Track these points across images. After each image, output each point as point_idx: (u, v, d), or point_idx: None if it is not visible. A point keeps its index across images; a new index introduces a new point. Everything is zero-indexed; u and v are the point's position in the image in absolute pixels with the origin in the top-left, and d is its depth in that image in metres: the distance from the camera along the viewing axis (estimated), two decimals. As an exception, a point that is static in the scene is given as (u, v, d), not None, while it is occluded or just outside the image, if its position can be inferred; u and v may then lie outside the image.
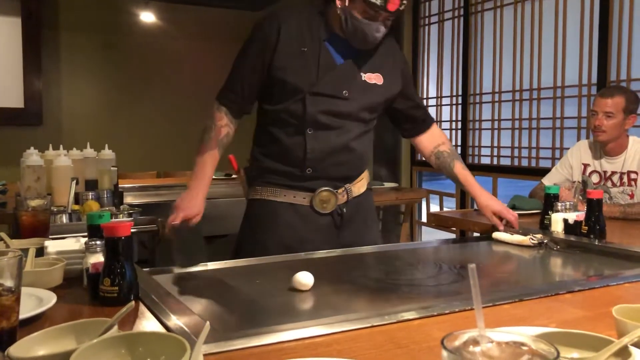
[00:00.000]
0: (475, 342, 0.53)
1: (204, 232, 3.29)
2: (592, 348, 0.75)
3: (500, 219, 1.89)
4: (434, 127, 1.98)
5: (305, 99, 1.66)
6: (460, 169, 1.93)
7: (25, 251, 1.29)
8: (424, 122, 1.95)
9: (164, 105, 5.35)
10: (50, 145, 2.60)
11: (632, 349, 0.72)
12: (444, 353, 0.50)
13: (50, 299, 1.05)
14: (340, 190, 1.76)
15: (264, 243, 1.71)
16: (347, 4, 1.62)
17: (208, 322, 0.67)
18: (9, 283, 0.80)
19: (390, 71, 1.80)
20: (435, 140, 1.95)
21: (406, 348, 0.88)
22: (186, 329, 0.93)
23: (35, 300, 1.04)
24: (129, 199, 3.07)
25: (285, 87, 1.67)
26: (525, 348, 0.52)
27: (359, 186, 1.84)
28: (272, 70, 1.67)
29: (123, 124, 5.15)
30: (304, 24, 1.69)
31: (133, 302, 0.80)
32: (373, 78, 1.75)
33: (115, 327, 0.76)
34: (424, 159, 5.03)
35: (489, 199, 1.91)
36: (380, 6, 1.57)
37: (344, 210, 1.77)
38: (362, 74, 1.72)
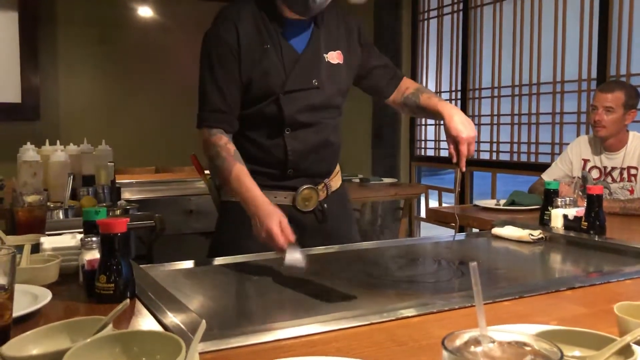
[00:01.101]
0: (476, 342, 0.52)
1: (201, 229, 3.28)
2: (593, 346, 0.74)
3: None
4: (402, 80, 1.84)
5: (279, 100, 1.58)
6: (424, 99, 1.74)
7: (20, 247, 1.28)
8: (393, 80, 1.82)
9: (162, 99, 5.33)
10: (47, 140, 2.59)
11: (635, 347, 0.71)
12: (445, 353, 0.49)
13: (46, 296, 1.03)
14: (320, 186, 1.70)
15: (246, 247, 1.58)
16: None
17: (204, 321, 0.65)
18: (1, 281, 0.79)
19: (349, 46, 1.70)
20: (401, 90, 1.81)
21: (405, 346, 0.87)
22: (183, 326, 0.92)
23: (30, 298, 1.03)
24: (126, 194, 3.06)
25: (256, 91, 1.59)
26: (527, 348, 0.51)
27: (336, 180, 1.79)
28: (242, 75, 1.58)
29: (121, 119, 5.13)
30: (258, 18, 1.58)
31: (128, 301, 0.79)
32: (335, 57, 1.66)
33: (110, 326, 0.75)
34: (423, 154, 5.01)
35: (454, 123, 1.59)
36: None
37: (325, 205, 1.71)
38: (325, 56, 1.64)
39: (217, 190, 1.75)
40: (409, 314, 0.99)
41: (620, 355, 0.71)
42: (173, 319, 0.96)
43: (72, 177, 2.08)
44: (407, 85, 1.82)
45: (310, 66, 1.62)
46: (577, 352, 0.73)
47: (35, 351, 0.71)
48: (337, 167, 1.80)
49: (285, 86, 1.58)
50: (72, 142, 2.67)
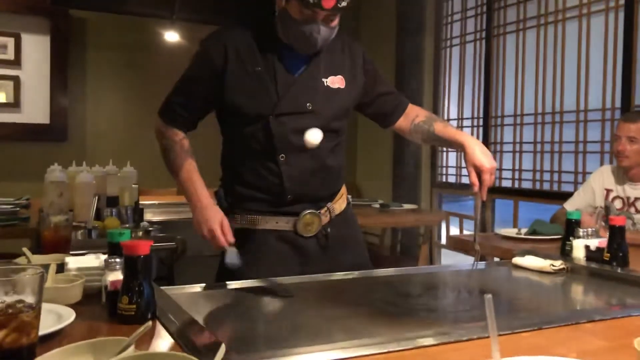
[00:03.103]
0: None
1: (206, 252, 3.29)
2: (612, 381, 0.73)
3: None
4: (408, 107, 1.84)
5: (269, 123, 1.57)
6: (440, 128, 1.75)
7: (46, 267, 1.31)
8: (399, 107, 1.82)
9: (186, 123, 5.42)
10: (74, 161, 2.65)
11: (655, 384, 0.71)
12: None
13: (69, 315, 1.06)
14: (323, 211, 1.68)
15: (251, 275, 1.55)
16: (283, 4, 1.53)
17: (223, 344, 0.67)
18: (30, 299, 0.81)
19: (352, 72, 1.70)
20: (409, 117, 1.81)
21: (422, 375, 0.87)
22: (202, 349, 0.93)
23: (54, 317, 1.05)
24: (148, 215, 3.10)
25: (245, 113, 1.59)
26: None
27: (340, 203, 1.75)
28: (226, 97, 1.59)
29: (145, 141, 5.17)
30: (253, 41, 1.59)
31: (150, 323, 0.81)
32: (336, 82, 1.64)
33: (132, 347, 0.76)
34: (444, 180, 5.00)
35: (475, 154, 1.62)
36: (314, 3, 1.44)
37: (329, 230, 1.69)
38: (324, 80, 1.63)
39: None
40: (427, 343, 0.99)
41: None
42: (193, 341, 0.97)
43: (97, 198, 2.12)
44: (416, 112, 1.81)
45: (306, 90, 1.60)
46: (595, 387, 0.73)
47: (59, 370, 0.73)
48: (342, 189, 1.77)
49: (276, 109, 1.57)
50: (97, 163, 2.74)
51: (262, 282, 1.50)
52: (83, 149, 5.02)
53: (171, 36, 4.96)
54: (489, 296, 0.58)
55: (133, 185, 2.44)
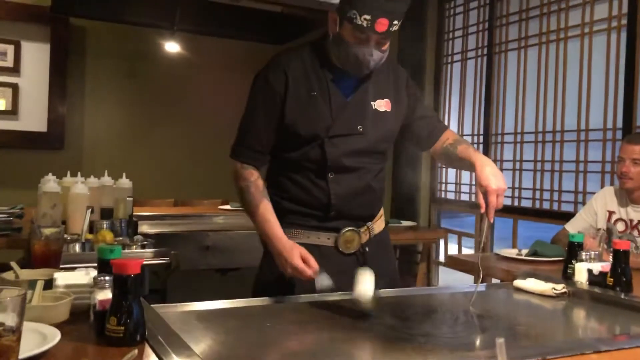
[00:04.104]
0: None
1: (216, 265, 3.27)
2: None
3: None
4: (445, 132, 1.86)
5: (323, 144, 1.64)
6: (462, 150, 1.75)
7: (34, 282, 1.27)
8: (436, 131, 1.84)
9: (184, 134, 5.39)
10: (69, 172, 2.61)
11: None
12: None
13: (54, 336, 1.02)
14: (363, 229, 1.74)
15: (287, 285, 1.64)
16: (337, 30, 1.59)
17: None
18: (10, 322, 0.78)
19: (397, 95, 1.76)
20: (441, 141, 1.83)
21: (422, 409, 0.83)
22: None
23: (38, 337, 1.01)
24: (144, 227, 3.06)
25: (301, 135, 1.65)
26: None
27: (379, 223, 1.82)
28: (285, 120, 1.65)
29: (143, 151, 5.19)
30: (308, 66, 1.67)
31: (136, 351, 0.77)
32: (383, 105, 1.71)
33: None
34: (443, 196, 4.96)
35: (485, 174, 1.57)
36: (367, 28, 1.51)
37: (367, 249, 1.74)
38: (372, 103, 1.69)
39: None
40: (426, 373, 0.95)
41: None
42: (181, 367, 0.93)
43: (90, 210, 2.08)
44: (448, 136, 1.83)
45: (356, 113, 1.67)
46: None
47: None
48: (381, 211, 1.84)
49: (330, 131, 1.63)
50: (93, 172, 2.69)
51: (265, 302, 1.52)
52: (80, 158, 4.98)
53: (171, 47, 4.94)
54: (501, 340, 0.54)
55: (127, 198, 2.40)
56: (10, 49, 4.82)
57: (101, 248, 1.23)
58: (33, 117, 4.92)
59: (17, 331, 0.78)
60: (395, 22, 1.54)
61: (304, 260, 1.53)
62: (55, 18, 4.76)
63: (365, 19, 1.50)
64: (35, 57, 4.90)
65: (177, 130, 5.38)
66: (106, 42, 5.10)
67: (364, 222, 1.75)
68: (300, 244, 1.66)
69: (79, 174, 2.55)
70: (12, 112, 4.85)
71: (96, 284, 1.15)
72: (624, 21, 3.46)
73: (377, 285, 1.68)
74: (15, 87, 4.83)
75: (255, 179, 1.66)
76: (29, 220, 2.62)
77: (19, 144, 4.84)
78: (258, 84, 1.69)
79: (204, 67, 5.31)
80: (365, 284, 1.41)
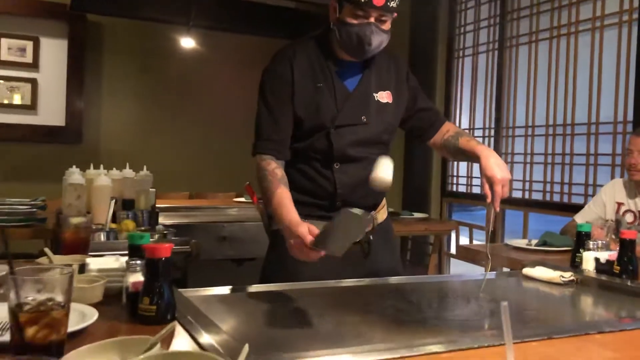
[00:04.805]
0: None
1: (233, 255, 3.33)
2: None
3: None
4: (444, 124, 1.92)
5: (329, 134, 1.69)
6: (464, 142, 1.79)
7: (58, 269, 1.35)
8: (436, 123, 1.90)
9: (198, 128, 5.47)
10: (92, 164, 2.69)
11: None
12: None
13: (93, 314, 1.09)
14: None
15: (293, 273, 1.67)
16: (338, 15, 1.65)
17: (247, 345, 0.70)
18: (59, 298, 0.85)
19: (398, 87, 1.81)
20: (442, 133, 1.88)
21: (434, 380, 0.90)
22: (221, 350, 0.96)
23: (78, 315, 1.09)
24: (161, 218, 3.13)
25: (308, 125, 1.70)
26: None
27: (382, 213, 1.88)
28: (294, 110, 1.69)
29: (158, 146, 5.28)
30: (313, 58, 1.72)
31: (175, 322, 0.84)
32: (385, 97, 1.76)
33: (158, 345, 0.80)
34: (455, 190, 5.00)
35: (490, 165, 1.61)
36: (365, 2, 1.56)
37: (371, 237, 1.78)
38: (375, 95, 1.75)
39: (269, 219, 1.82)
40: (438, 350, 1.02)
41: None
42: (211, 342, 1.01)
43: (114, 201, 2.16)
44: (448, 128, 1.88)
45: (360, 104, 1.72)
46: (603, 395, 0.75)
47: (89, 365, 0.76)
48: (384, 201, 1.89)
49: (335, 121, 1.69)
50: (110, 166, 2.77)
51: (282, 287, 1.55)
52: (97, 152, 5.08)
53: (187, 42, 5.01)
54: (505, 303, 0.61)
55: (150, 189, 2.48)
56: (29, 45, 4.92)
57: (132, 235, 1.31)
58: (51, 112, 5.02)
59: (65, 306, 0.86)
60: None
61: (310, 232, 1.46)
62: (73, 15, 4.85)
63: None
64: (54, 53, 5.00)
65: (191, 125, 5.46)
66: (123, 38, 5.18)
67: (368, 211, 1.75)
68: None
69: (101, 166, 2.63)
70: (31, 107, 4.95)
71: (128, 268, 1.23)
72: (635, 15, 3.49)
73: (382, 271, 1.76)
74: (34, 83, 4.94)
75: (272, 168, 1.66)
76: (53, 211, 2.70)
77: (38, 138, 4.94)
78: (267, 77, 1.73)
79: (219, 62, 5.39)
80: (385, 169, 1.45)
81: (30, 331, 0.82)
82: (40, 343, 0.82)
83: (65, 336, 0.87)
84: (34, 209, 3.01)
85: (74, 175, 2.35)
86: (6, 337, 0.96)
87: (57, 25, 4.95)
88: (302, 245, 1.41)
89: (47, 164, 4.82)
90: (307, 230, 1.41)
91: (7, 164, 4.83)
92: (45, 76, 4.99)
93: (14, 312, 0.82)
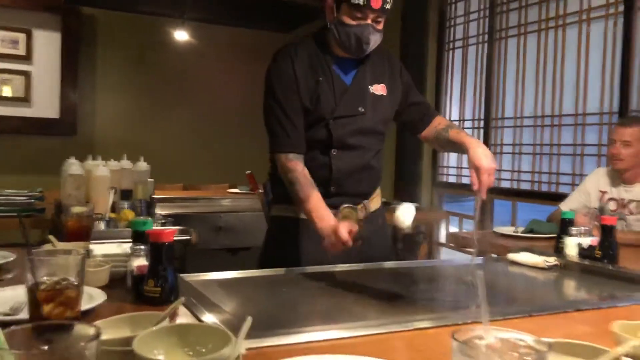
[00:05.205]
0: (480, 337, 0.63)
1: (228, 245, 3.40)
2: (590, 357, 0.83)
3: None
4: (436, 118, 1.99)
5: (328, 125, 1.78)
6: (454, 134, 1.87)
7: (68, 253, 1.40)
8: (427, 117, 1.98)
9: (192, 121, 5.52)
10: (91, 156, 2.74)
11: (624, 359, 0.80)
12: (454, 344, 0.60)
13: (100, 296, 1.16)
14: (359, 207, 1.87)
15: (290, 257, 1.80)
16: (335, 14, 1.74)
17: (250, 317, 0.77)
18: (73, 278, 0.91)
19: (391, 81, 1.91)
20: (433, 126, 1.96)
21: (423, 353, 0.97)
22: (223, 326, 1.03)
23: (87, 297, 1.15)
24: (158, 209, 3.19)
25: (309, 117, 1.78)
26: (522, 343, 0.61)
27: (375, 202, 1.96)
28: (301, 102, 1.78)
29: (152, 137, 5.32)
30: (312, 55, 1.81)
31: (183, 298, 0.91)
32: (379, 89, 1.87)
33: (167, 320, 0.86)
34: (445, 180, 5.06)
35: (477, 155, 1.68)
36: (364, 5, 1.67)
37: (363, 224, 1.85)
38: (370, 87, 1.85)
39: (268, 206, 1.94)
40: (426, 326, 1.09)
41: (613, 365, 0.80)
42: (214, 319, 1.07)
43: (113, 191, 2.22)
44: (439, 121, 1.97)
45: (357, 96, 1.82)
46: (574, 361, 0.83)
47: (105, 337, 0.82)
48: (378, 191, 1.98)
49: (334, 113, 1.78)
50: (104, 158, 2.81)
51: (280, 272, 1.62)
52: (91, 144, 5.12)
53: (181, 35, 5.05)
54: (480, 272, 0.68)
55: (149, 180, 2.54)
56: (22, 38, 4.93)
57: (135, 221, 1.37)
58: (45, 104, 5.05)
59: (79, 286, 0.92)
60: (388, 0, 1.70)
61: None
62: (66, 7, 4.87)
63: None
64: (47, 45, 5.02)
65: (185, 117, 5.51)
66: (117, 30, 5.21)
67: (360, 199, 1.88)
68: (299, 219, 1.81)
69: (99, 157, 2.68)
70: (25, 99, 4.97)
71: (133, 252, 1.29)
72: (621, 8, 3.56)
73: (374, 257, 1.84)
74: (27, 75, 4.96)
75: (301, 169, 1.75)
76: (52, 202, 2.75)
77: (32, 131, 4.97)
78: (271, 76, 1.81)
79: (213, 55, 5.43)
80: (407, 214, 1.55)
81: (47, 308, 0.88)
82: (56, 319, 0.88)
83: (79, 313, 0.93)
84: (32, 200, 3.05)
85: (73, 166, 2.40)
86: (21, 315, 1.03)
87: (50, 17, 4.97)
88: (340, 244, 1.57)
89: (42, 156, 4.86)
90: (347, 232, 1.56)
91: (1, 157, 4.86)
92: (38, 69, 5.02)
93: (32, 290, 0.88)
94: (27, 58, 4.96)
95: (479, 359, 0.58)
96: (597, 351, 0.83)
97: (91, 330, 0.57)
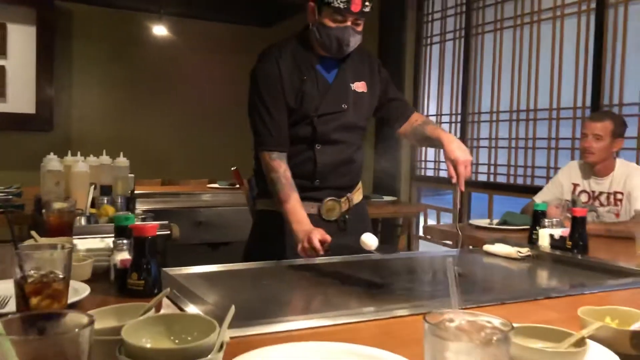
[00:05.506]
0: (451, 319, 0.67)
1: (209, 240, 3.42)
2: (556, 340, 0.88)
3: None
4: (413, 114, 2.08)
5: (313, 122, 1.84)
6: (430, 130, 1.95)
7: (55, 247, 1.42)
8: (405, 113, 2.06)
9: (170, 115, 5.51)
10: (69, 152, 2.73)
11: (588, 340, 0.86)
12: (426, 326, 0.64)
13: (85, 289, 1.18)
14: (343, 199, 1.94)
15: (275, 250, 1.86)
16: (317, 17, 1.80)
17: (233, 306, 0.80)
18: (60, 271, 0.93)
19: (371, 79, 1.98)
20: (410, 122, 2.04)
21: (399, 338, 1.01)
22: (211, 314, 1.06)
23: (72, 290, 1.16)
24: (138, 204, 3.19)
25: (294, 115, 1.84)
26: (489, 325, 0.66)
27: (358, 194, 2.03)
28: (286, 101, 1.84)
29: (130, 132, 5.29)
30: (296, 55, 1.87)
31: (168, 289, 0.93)
32: (360, 87, 1.93)
33: (153, 311, 0.89)
34: (423, 174, 5.13)
35: (453, 148, 1.79)
36: (344, 9, 1.74)
37: (347, 217, 1.95)
38: (352, 85, 1.92)
39: (254, 200, 2.00)
40: (403, 314, 1.13)
41: (577, 347, 0.85)
42: (197, 310, 1.10)
43: (93, 187, 2.22)
44: (416, 118, 2.05)
45: (340, 93, 1.88)
46: (540, 345, 0.87)
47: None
48: (360, 184, 2.04)
49: (319, 110, 1.84)
50: (82, 153, 2.81)
51: (262, 265, 1.69)
52: (68, 140, 5.08)
53: (158, 30, 5.03)
54: (449, 259, 0.73)
55: (129, 175, 2.55)
56: (-4, 32, 4.87)
57: (118, 217, 1.39)
58: (21, 99, 4.99)
59: (66, 278, 0.94)
60: (367, 3, 1.77)
61: (321, 242, 1.63)
62: (41, 1, 4.82)
63: (341, 2, 1.72)
64: (22, 39, 4.95)
65: (163, 112, 5.49)
66: (93, 25, 5.17)
67: (344, 192, 1.95)
68: None
69: (78, 153, 2.68)
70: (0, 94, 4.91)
71: (115, 247, 1.31)
72: (593, 5, 3.65)
73: (355, 251, 1.89)
74: (1, 70, 4.89)
75: (283, 170, 1.80)
76: (30, 198, 2.75)
77: (7, 126, 4.91)
78: (256, 76, 1.86)
79: (191, 49, 5.42)
80: (370, 240, 1.60)
81: (34, 300, 0.90)
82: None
83: (66, 305, 0.95)
84: (10, 196, 3.04)
85: (52, 162, 2.40)
86: (7, 308, 1.04)
87: (25, 11, 4.91)
88: (311, 251, 1.62)
89: (18, 152, 4.81)
90: (318, 241, 1.61)
91: (-23, 152, 4.80)
92: (13, 63, 4.95)
93: (20, 284, 0.90)
94: (1, 52, 4.89)
95: (449, 339, 0.62)
96: (563, 334, 0.88)
97: (84, 319, 0.60)
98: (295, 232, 1.72)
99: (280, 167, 1.81)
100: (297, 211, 1.75)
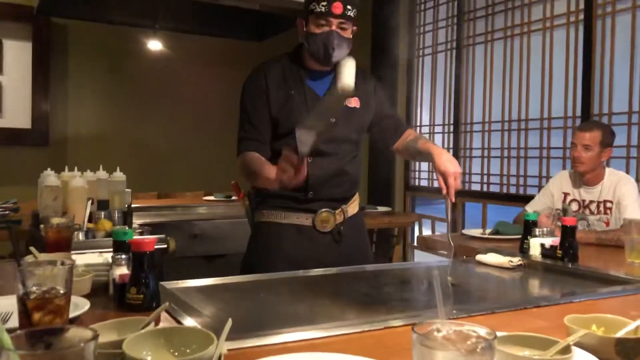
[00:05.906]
0: (438, 329, 0.70)
1: (204, 252, 3.44)
2: (542, 348, 0.91)
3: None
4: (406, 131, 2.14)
5: None
6: (422, 144, 2.00)
7: (54, 263, 1.45)
8: (399, 130, 2.12)
9: (166, 128, 5.54)
10: (66, 167, 2.76)
11: (573, 348, 0.89)
12: (414, 336, 0.67)
13: (84, 304, 1.20)
14: (337, 211, 1.97)
15: (271, 261, 1.89)
16: (305, 29, 1.87)
17: (230, 319, 0.83)
18: (61, 287, 0.96)
19: (364, 94, 2.02)
20: (403, 138, 2.12)
21: (392, 348, 1.04)
22: (209, 327, 1.08)
23: (72, 305, 1.18)
24: (134, 218, 3.22)
25: (283, 128, 1.89)
26: (475, 334, 0.69)
27: (353, 207, 2.05)
28: (270, 113, 1.90)
29: (126, 147, 5.32)
30: (286, 70, 1.95)
31: (168, 303, 0.96)
32: (352, 102, 1.97)
33: (152, 324, 0.92)
34: (417, 184, 5.16)
35: (442, 161, 1.83)
36: (325, 12, 1.80)
37: (342, 228, 1.97)
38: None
39: (252, 213, 2.02)
40: (397, 324, 1.16)
41: (562, 354, 0.89)
42: (194, 323, 1.13)
43: (90, 202, 2.25)
44: (409, 133, 2.11)
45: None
46: (527, 352, 0.91)
47: (94, 342, 0.88)
48: (356, 196, 2.06)
49: None
50: (78, 168, 2.83)
51: (258, 277, 1.70)
52: (64, 154, 5.10)
53: (153, 45, 5.07)
54: (435, 272, 0.76)
55: (126, 190, 2.57)
56: (-8, 48, 4.90)
57: (116, 231, 1.42)
58: (17, 115, 5.01)
59: (67, 294, 0.97)
60: (349, 7, 1.82)
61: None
62: (37, 17, 4.85)
63: (322, 5, 1.80)
64: (18, 55, 4.99)
65: (159, 126, 5.53)
66: (89, 40, 5.21)
67: (338, 204, 1.98)
68: (281, 223, 1.92)
69: (75, 168, 2.71)
70: (-4, 109, 4.94)
71: (114, 262, 1.34)
72: (581, 16, 3.71)
73: (354, 261, 1.92)
74: (-2, 85, 4.92)
75: (250, 153, 1.86)
76: (27, 213, 2.76)
77: (3, 141, 4.93)
78: (245, 88, 1.94)
79: (186, 64, 5.46)
80: (348, 74, 1.45)
81: (37, 316, 0.93)
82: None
83: (67, 320, 0.98)
84: (7, 212, 3.06)
85: (50, 177, 2.43)
86: (9, 324, 1.07)
87: (22, 27, 4.95)
88: (291, 162, 1.54)
89: (14, 167, 4.83)
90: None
91: (-28, 168, 4.81)
92: (9, 79, 4.98)
93: (22, 299, 0.93)
94: (-3, 68, 4.92)
95: (436, 349, 0.65)
96: (549, 342, 0.91)
97: (88, 333, 0.63)
98: (276, 176, 1.63)
99: (253, 153, 1.86)
100: (271, 170, 1.70)
